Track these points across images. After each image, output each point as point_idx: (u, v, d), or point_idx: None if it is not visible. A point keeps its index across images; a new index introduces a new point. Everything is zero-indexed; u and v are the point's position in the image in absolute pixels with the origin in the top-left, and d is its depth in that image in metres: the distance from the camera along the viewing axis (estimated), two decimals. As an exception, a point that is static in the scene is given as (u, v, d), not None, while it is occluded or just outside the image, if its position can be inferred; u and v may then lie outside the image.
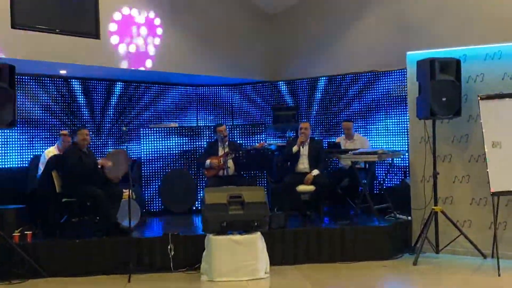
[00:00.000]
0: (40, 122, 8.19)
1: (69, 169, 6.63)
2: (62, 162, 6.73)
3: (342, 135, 8.43)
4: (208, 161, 7.85)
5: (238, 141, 8.58)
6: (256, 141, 8.74)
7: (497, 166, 5.97)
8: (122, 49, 7.78)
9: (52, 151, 7.32)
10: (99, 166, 6.80)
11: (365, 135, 8.57)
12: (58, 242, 6.34)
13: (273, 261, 6.11)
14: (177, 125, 9.05)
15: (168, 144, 8.71)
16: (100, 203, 6.52)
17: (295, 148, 7.55)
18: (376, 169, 8.29)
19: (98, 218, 6.68)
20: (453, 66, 6.49)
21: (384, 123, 8.66)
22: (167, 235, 6.26)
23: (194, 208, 8.48)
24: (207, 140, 8.61)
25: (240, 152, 7.92)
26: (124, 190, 6.82)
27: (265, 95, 9.85)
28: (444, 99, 6.40)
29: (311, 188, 7.34)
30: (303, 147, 7.58)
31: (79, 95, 8.62)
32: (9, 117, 5.95)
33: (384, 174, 8.43)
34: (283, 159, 7.93)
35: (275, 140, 9.17)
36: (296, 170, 7.58)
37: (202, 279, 5.90)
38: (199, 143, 8.74)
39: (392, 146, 8.49)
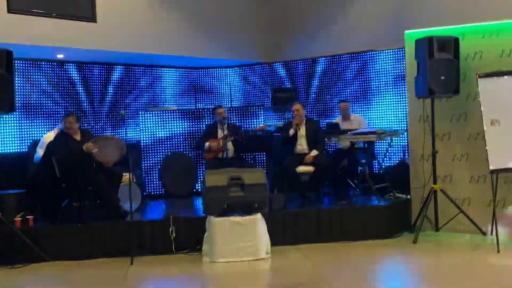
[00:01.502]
0: (38, 106, 8.18)
1: (57, 158, 6.61)
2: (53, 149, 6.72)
3: (339, 115, 8.41)
4: (207, 144, 7.84)
5: (237, 124, 8.57)
6: (255, 123, 8.73)
7: (496, 143, 5.96)
8: (119, 32, 7.73)
9: (51, 135, 7.30)
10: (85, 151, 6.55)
11: (363, 115, 8.56)
12: (59, 226, 6.38)
13: (274, 242, 6.13)
14: (176, 108, 9.04)
15: (168, 127, 8.71)
16: (100, 187, 6.54)
17: (291, 132, 7.53)
18: (375, 149, 8.31)
19: (99, 202, 6.70)
20: (451, 44, 6.46)
21: (382, 103, 8.65)
22: (169, 217, 6.28)
23: (194, 190, 8.50)
24: (207, 122, 8.60)
25: (239, 134, 7.91)
26: (124, 174, 6.83)
27: (263, 77, 9.82)
28: (442, 77, 6.39)
29: (310, 169, 7.35)
30: (299, 129, 7.57)
31: (77, 79, 8.60)
32: (7, 102, 5.94)
33: (383, 154, 8.44)
34: (281, 143, 7.93)
35: (274, 122, 9.16)
36: (295, 152, 7.58)
37: (204, 261, 5.94)
38: (199, 125, 8.74)
39: (391, 125, 8.50)
